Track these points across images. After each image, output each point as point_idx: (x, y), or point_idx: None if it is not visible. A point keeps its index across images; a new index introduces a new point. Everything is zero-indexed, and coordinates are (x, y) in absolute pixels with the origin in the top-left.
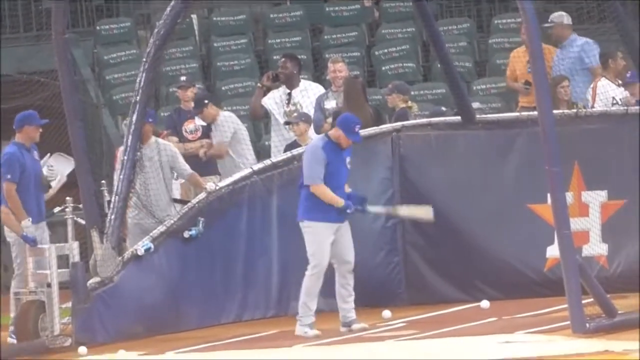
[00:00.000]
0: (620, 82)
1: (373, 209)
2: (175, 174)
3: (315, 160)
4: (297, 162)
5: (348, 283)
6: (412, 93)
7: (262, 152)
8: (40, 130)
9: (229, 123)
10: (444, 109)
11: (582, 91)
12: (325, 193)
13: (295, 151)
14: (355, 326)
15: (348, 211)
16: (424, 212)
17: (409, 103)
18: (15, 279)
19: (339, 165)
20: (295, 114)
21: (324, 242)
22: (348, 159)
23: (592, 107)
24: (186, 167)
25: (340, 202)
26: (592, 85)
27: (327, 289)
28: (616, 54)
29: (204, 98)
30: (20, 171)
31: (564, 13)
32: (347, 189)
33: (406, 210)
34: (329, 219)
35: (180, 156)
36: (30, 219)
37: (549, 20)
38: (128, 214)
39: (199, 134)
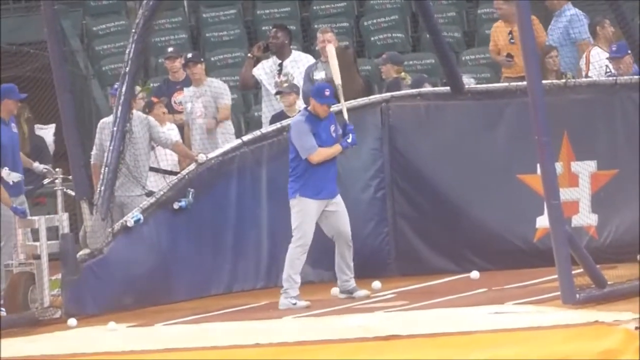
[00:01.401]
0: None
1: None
2: (155, 145)
3: (303, 132)
4: (286, 133)
5: (347, 255)
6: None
7: (251, 122)
8: (19, 104)
9: (219, 87)
10: (425, 76)
11: (570, 61)
12: (324, 153)
13: (285, 122)
14: (358, 293)
15: (350, 146)
16: None
17: (403, 74)
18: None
19: (325, 135)
20: (286, 84)
21: (310, 218)
22: (332, 127)
23: (587, 75)
24: (168, 136)
25: (338, 148)
26: (585, 54)
27: (316, 260)
28: (604, 21)
29: (200, 56)
30: None
31: None
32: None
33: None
34: (320, 196)
35: (159, 126)
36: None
37: None
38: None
39: None
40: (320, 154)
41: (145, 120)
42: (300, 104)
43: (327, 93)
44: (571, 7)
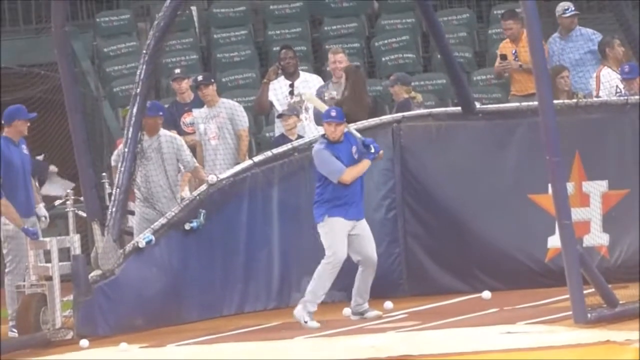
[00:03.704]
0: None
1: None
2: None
3: (326, 158)
4: (297, 154)
5: (370, 280)
6: (412, 84)
7: (262, 143)
8: (29, 124)
9: (235, 108)
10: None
11: (589, 82)
12: (354, 171)
13: (296, 142)
14: (369, 314)
15: (377, 155)
16: None
17: (413, 93)
18: (10, 274)
19: (344, 157)
20: (302, 105)
21: (340, 235)
22: (354, 149)
23: (597, 96)
24: (191, 160)
25: (366, 162)
26: (595, 74)
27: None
28: (613, 41)
29: (211, 77)
30: (6, 165)
31: (570, 3)
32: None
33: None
34: (346, 216)
35: (186, 148)
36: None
37: (567, 8)
38: (137, 208)
39: None
40: (350, 172)
41: (174, 141)
42: (301, 127)
43: (333, 113)
44: (581, 27)
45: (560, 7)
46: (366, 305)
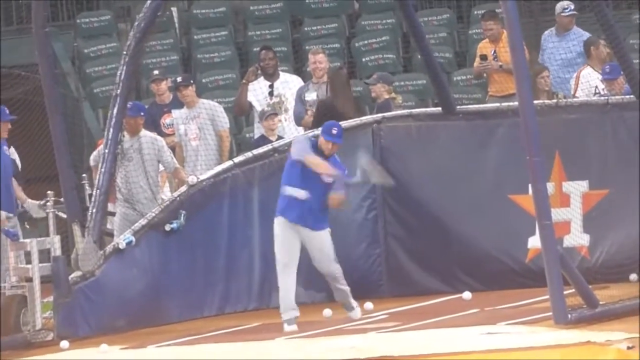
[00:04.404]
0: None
1: (355, 179)
2: (162, 168)
3: (304, 141)
4: (277, 155)
5: (338, 287)
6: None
7: (242, 144)
8: (10, 125)
9: (215, 109)
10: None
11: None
12: (313, 160)
13: (275, 143)
14: (352, 314)
15: (346, 179)
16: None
17: (393, 94)
18: None
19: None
20: (281, 106)
21: (281, 237)
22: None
23: (574, 95)
24: (172, 161)
25: (334, 171)
26: (575, 75)
27: (308, 282)
28: (598, 41)
29: (190, 78)
30: None
31: (570, 2)
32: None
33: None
34: (285, 215)
35: (167, 149)
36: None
37: (566, 8)
38: (117, 208)
39: None
40: (310, 158)
41: (156, 142)
42: (281, 128)
43: (335, 131)
44: (578, 29)
45: (560, 5)
46: (352, 303)
